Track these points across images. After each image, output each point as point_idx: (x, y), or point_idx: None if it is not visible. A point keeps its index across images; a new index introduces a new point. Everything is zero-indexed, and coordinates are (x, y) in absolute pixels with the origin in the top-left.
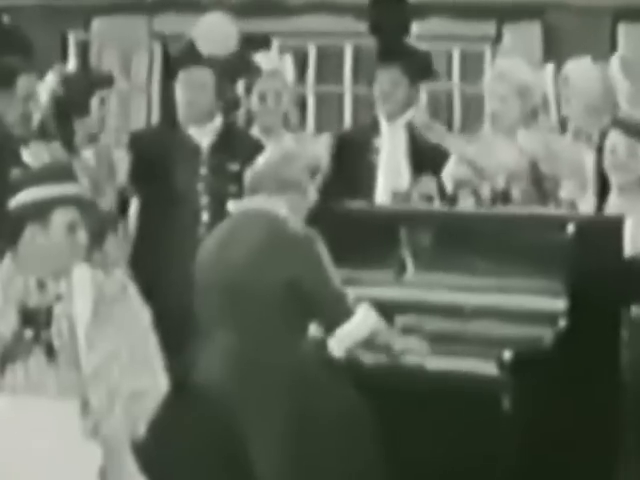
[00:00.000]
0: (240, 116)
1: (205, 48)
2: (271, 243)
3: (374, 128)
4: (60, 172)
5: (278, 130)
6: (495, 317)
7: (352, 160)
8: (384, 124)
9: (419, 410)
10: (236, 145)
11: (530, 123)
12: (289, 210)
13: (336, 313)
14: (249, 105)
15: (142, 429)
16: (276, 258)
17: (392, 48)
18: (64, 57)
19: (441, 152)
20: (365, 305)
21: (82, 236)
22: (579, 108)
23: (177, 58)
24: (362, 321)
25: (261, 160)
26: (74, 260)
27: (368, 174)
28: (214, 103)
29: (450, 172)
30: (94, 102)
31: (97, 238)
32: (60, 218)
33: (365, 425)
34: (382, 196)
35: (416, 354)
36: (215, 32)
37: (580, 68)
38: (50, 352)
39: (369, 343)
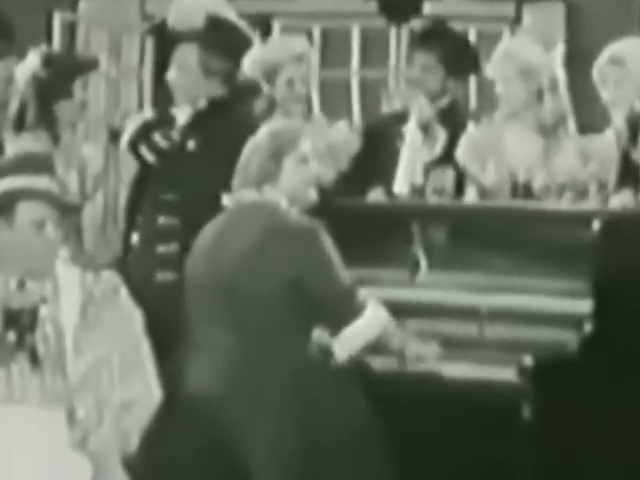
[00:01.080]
0: (260, 104)
1: (177, 23)
2: (270, 238)
3: (403, 114)
4: (34, 163)
5: (300, 117)
6: (515, 320)
7: (378, 146)
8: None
9: (433, 420)
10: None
11: (534, 106)
12: (289, 199)
13: (342, 313)
14: (272, 91)
15: (134, 442)
16: (276, 254)
17: (432, 31)
18: (49, 39)
19: None
20: (374, 302)
21: (52, 233)
22: (633, 90)
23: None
24: (370, 321)
25: (245, 152)
26: (49, 259)
27: (391, 161)
28: (201, 81)
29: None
30: (77, 87)
31: (74, 237)
32: (24, 213)
33: (374, 438)
34: (401, 186)
35: (430, 360)
36: (182, 5)
37: (635, 49)
38: (34, 358)
39: (378, 346)
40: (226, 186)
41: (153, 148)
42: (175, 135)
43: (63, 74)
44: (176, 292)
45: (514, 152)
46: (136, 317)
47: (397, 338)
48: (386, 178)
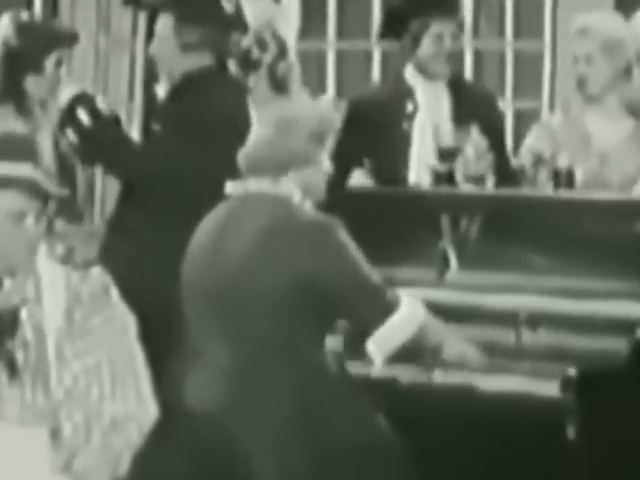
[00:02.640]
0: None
1: None
2: (280, 233)
3: (403, 89)
4: (15, 147)
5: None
6: (558, 326)
7: (377, 130)
8: (421, 85)
9: (463, 439)
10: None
11: (622, 83)
12: (303, 190)
13: (373, 311)
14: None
15: (124, 464)
16: (285, 252)
17: None
18: (29, 5)
19: (493, 109)
20: (409, 298)
21: (32, 227)
22: None
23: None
24: (407, 316)
25: (250, 140)
26: (29, 256)
27: (400, 145)
28: (178, 55)
29: (530, 144)
30: (49, 62)
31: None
32: (1, 204)
33: (393, 455)
34: (418, 173)
35: (472, 363)
36: None
37: None
38: (12, 368)
39: (416, 346)
40: (190, 173)
41: (75, 125)
42: (107, 110)
43: (37, 46)
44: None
45: (601, 136)
46: (129, 322)
47: (436, 336)
48: (394, 168)
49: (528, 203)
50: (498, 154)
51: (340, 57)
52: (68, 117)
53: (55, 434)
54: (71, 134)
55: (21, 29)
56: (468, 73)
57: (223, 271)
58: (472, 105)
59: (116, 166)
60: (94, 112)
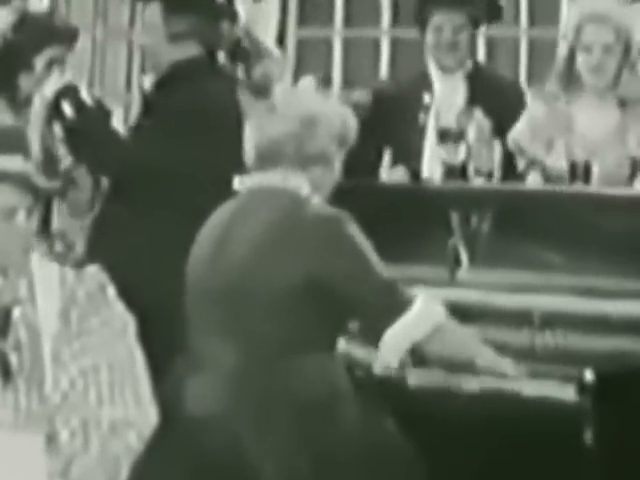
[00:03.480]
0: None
1: None
2: (288, 230)
3: (423, 81)
4: (5, 140)
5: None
6: (574, 326)
7: (394, 121)
8: (438, 77)
9: (476, 444)
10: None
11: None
12: (311, 187)
13: (384, 308)
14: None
15: (123, 471)
16: (295, 247)
17: None
18: None
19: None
20: (426, 297)
21: (24, 223)
22: None
23: None
24: (419, 316)
25: (278, 127)
26: (21, 253)
27: (416, 138)
28: (166, 45)
29: (513, 138)
30: (40, 60)
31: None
32: None
33: (404, 463)
34: (431, 167)
35: (508, 373)
36: None
37: None
38: (6, 370)
39: (432, 349)
40: (180, 166)
41: (61, 119)
42: (92, 102)
43: (29, 43)
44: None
45: (588, 128)
46: (128, 322)
47: (459, 341)
48: (405, 157)
49: (542, 198)
50: None
51: (347, 46)
52: (54, 110)
53: (51, 440)
54: (57, 128)
55: (21, 22)
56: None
57: (230, 268)
58: (491, 99)
59: (102, 161)
60: (78, 105)
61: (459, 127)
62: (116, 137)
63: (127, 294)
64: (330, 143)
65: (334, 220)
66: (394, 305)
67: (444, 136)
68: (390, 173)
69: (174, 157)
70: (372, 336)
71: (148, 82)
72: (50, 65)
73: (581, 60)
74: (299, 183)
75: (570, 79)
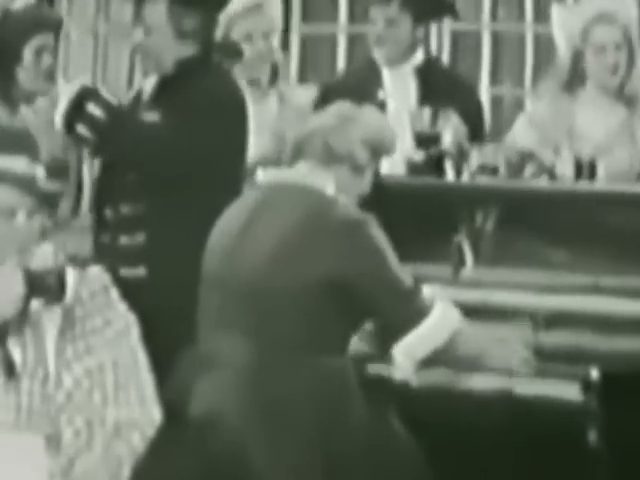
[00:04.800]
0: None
1: None
2: (313, 230)
3: (375, 76)
4: (11, 140)
5: (266, 83)
6: (579, 325)
7: None
8: (386, 71)
9: (481, 443)
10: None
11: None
12: (337, 189)
13: (403, 314)
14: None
15: (126, 471)
16: (318, 246)
17: None
18: None
19: (469, 98)
20: (443, 303)
21: (23, 225)
22: None
23: None
24: (438, 323)
25: (314, 120)
26: (17, 253)
27: None
28: (172, 44)
29: (515, 139)
30: (28, 51)
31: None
32: None
33: (411, 464)
34: (395, 163)
35: (518, 373)
36: None
37: None
38: (10, 369)
39: (450, 354)
40: (200, 163)
41: (88, 121)
42: (115, 101)
43: (14, 34)
44: (146, 291)
45: (593, 127)
46: (131, 322)
47: (472, 344)
48: None
49: (548, 196)
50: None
51: (351, 41)
52: (77, 113)
53: (54, 439)
54: (83, 129)
55: (5, 16)
56: (486, 56)
57: (250, 264)
58: (444, 93)
59: (139, 156)
60: (104, 104)
61: (434, 131)
62: (150, 132)
63: (141, 290)
64: (362, 148)
65: (360, 223)
66: (413, 311)
67: (422, 141)
68: None
69: (190, 153)
70: (387, 339)
71: (149, 84)
72: (39, 53)
73: (593, 61)
74: (324, 181)
75: (575, 80)
